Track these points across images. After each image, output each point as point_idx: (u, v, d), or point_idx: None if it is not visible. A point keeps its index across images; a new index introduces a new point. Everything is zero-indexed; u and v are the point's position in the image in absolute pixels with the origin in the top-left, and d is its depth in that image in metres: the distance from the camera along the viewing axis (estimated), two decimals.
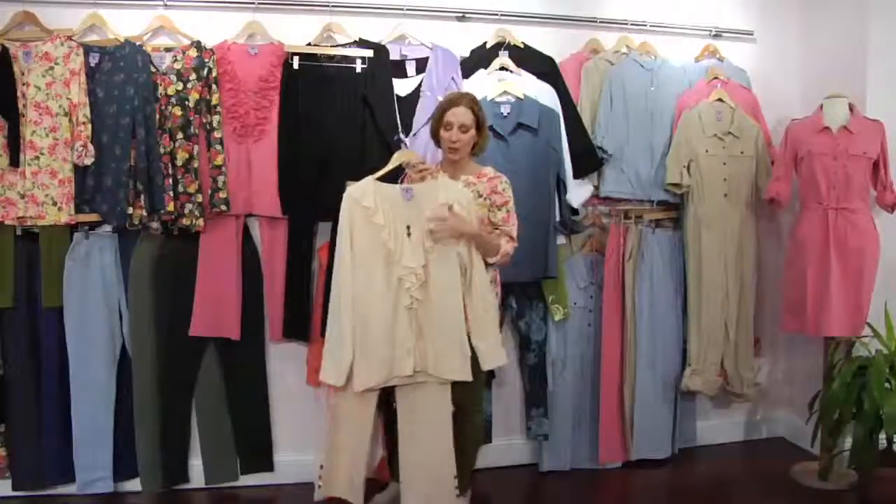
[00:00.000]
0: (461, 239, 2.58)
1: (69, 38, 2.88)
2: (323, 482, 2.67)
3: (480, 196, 2.68)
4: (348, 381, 2.57)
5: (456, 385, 2.69)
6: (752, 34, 3.71)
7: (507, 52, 3.24)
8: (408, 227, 2.57)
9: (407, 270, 2.55)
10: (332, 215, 2.71)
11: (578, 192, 3.31)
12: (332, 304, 2.60)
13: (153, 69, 2.92)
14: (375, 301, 2.56)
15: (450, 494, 2.65)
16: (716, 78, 3.47)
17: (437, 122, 2.71)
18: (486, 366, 2.66)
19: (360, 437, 2.65)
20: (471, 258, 2.60)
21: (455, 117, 2.65)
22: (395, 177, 2.71)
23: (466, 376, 2.60)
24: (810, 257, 3.21)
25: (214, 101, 2.95)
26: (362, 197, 2.57)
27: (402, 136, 3.07)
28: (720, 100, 3.41)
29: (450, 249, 2.58)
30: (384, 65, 3.13)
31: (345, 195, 2.61)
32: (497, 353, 2.69)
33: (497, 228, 2.69)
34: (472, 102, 2.69)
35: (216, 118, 2.96)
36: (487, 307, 2.65)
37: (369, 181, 2.61)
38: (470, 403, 2.79)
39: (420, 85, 3.17)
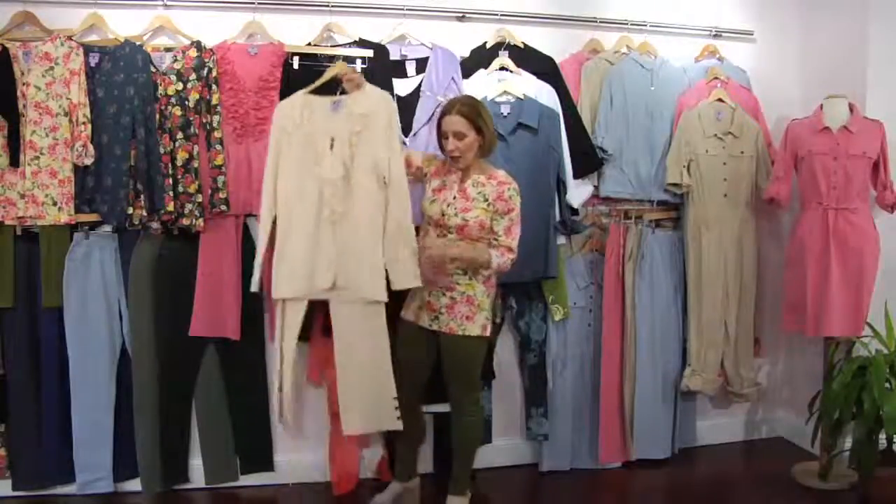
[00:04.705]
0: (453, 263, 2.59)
1: (69, 38, 2.87)
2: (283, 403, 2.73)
3: (486, 200, 2.67)
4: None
5: (450, 380, 2.69)
6: (751, 34, 3.71)
7: (507, 52, 3.24)
8: (332, 139, 2.59)
9: (326, 182, 2.56)
10: None
11: (578, 192, 3.31)
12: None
13: (153, 69, 2.92)
14: (298, 212, 2.59)
15: (389, 415, 2.63)
16: (716, 78, 3.47)
17: (438, 130, 2.73)
18: (394, 285, 2.58)
19: (289, 346, 2.67)
20: (390, 171, 2.58)
21: (448, 126, 2.65)
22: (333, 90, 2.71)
23: (379, 296, 2.57)
24: (810, 257, 3.20)
25: (214, 101, 2.95)
26: (291, 109, 2.64)
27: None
28: (720, 100, 3.41)
29: (370, 162, 2.57)
30: (384, 65, 3.13)
31: (276, 107, 2.72)
32: (407, 273, 2.56)
33: (496, 238, 2.67)
34: (464, 107, 2.64)
35: (216, 118, 2.95)
36: (401, 223, 2.57)
37: (300, 94, 2.67)
38: (467, 401, 2.79)
39: (420, 85, 3.17)
